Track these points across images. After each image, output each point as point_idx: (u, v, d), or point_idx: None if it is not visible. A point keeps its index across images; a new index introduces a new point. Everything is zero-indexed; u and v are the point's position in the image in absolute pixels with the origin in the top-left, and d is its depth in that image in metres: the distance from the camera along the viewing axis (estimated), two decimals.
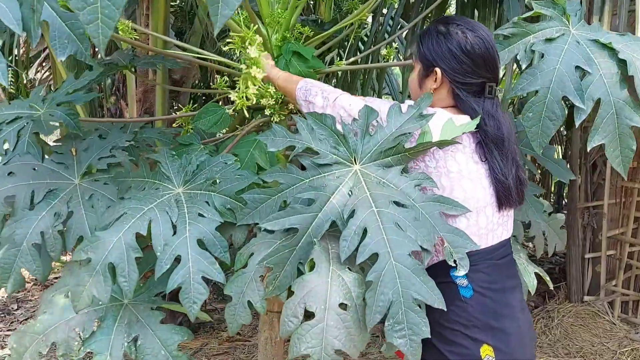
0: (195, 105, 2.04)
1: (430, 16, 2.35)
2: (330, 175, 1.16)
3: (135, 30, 1.78)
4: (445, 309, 1.02)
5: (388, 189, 1.13)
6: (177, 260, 1.19)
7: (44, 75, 4.85)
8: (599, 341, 2.98)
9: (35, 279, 3.84)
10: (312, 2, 2.74)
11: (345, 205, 1.11)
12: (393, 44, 2.26)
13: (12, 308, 3.68)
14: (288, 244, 1.11)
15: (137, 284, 1.22)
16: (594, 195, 3.28)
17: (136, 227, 1.22)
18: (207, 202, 1.26)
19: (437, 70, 1.22)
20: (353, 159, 1.19)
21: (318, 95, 1.30)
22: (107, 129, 1.76)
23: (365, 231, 1.07)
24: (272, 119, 1.78)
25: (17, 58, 4.02)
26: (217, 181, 1.29)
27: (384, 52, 1.89)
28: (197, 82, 3.67)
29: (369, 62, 2.63)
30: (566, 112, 1.31)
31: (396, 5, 2.46)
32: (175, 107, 3.28)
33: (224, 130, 1.96)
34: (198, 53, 1.93)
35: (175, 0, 3.72)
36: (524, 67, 1.32)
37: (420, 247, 1.06)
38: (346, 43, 2.66)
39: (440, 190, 1.15)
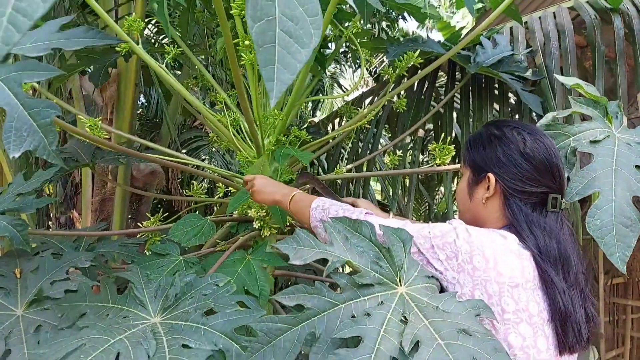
0: (166, 214, 1.78)
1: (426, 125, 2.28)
2: (372, 299, 0.90)
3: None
4: None
5: (448, 315, 0.88)
6: None
7: None
8: None
9: None
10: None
11: (402, 335, 0.84)
12: (397, 151, 2.15)
13: None
14: None
15: None
16: None
17: None
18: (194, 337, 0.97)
19: (490, 175, 1.06)
20: (398, 279, 0.94)
21: (339, 215, 1.11)
22: (57, 244, 1.47)
23: None
24: (261, 234, 1.56)
25: None
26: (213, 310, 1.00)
27: (387, 159, 1.77)
28: (158, 191, 3.42)
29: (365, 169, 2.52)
30: None
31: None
32: (133, 223, 2.98)
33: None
34: (169, 154, 1.74)
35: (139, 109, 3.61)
36: (566, 174, 1.17)
37: None
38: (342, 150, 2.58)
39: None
